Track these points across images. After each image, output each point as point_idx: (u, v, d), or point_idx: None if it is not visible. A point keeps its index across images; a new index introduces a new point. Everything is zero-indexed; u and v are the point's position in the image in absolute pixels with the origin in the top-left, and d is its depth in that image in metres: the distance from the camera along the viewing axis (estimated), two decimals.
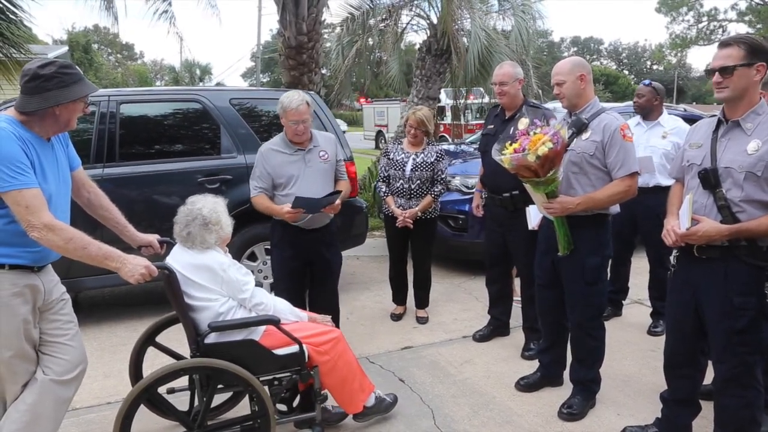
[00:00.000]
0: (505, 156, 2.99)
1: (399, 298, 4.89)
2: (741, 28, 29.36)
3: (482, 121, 5.46)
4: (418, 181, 4.47)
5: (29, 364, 2.41)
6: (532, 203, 3.45)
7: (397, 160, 4.54)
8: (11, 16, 6.28)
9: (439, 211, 4.78)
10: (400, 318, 4.81)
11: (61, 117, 2.38)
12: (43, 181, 2.32)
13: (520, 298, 4.26)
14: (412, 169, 4.47)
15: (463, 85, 10.61)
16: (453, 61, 9.74)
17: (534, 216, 3.57)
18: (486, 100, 12.79)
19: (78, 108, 2.42)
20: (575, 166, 3.07)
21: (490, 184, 4.08)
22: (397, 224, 4.48)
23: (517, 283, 4.36)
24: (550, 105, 6.00)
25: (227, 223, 2.79)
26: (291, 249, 3.69)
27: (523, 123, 3.07)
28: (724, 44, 2.46)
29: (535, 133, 2.94)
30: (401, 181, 4.51)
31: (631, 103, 5.08)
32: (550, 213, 3.10)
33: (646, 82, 4.61)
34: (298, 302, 3.16)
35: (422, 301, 4.86)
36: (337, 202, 3.58)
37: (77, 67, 2.50)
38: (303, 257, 3.73)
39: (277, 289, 3.77)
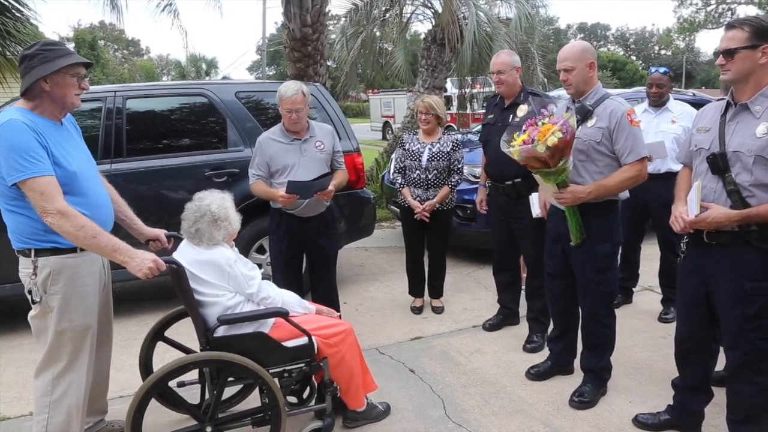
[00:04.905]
0: (514, 148, 2.96)
1: (417, 290, 4.87)
2: (750, 11, 28.95)
3: None
4: (435, 171, 4.44)
5: (93, 339, 2.59)
6: (535, 191, 3.43)
7: (412, 151, 4.51)
8: (17, 14, 6.31)
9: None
10: (420, 311, 4.77)
11: (53, 92, 2.41)
12: (65, 160, 2.40)
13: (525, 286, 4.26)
14: (428, 159, 4.44)
15: (469, 74, 10.55)
16: (457, 49, 9.68)
17: (536, 204, 3.57)
18: (492, 88, 12.70)
19: (69, 82, 2.44)
20: (582, 154, 3.04)
21: (493, 172, 4.07)
22: (414, 217, 4.47)
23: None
24: (555, 92, 5.96)
25: (235, 219, 2.79)
26: (288, 237, 3.82)
27: (522, 110, 3.04)
28: (729, 26, 2.44)
29: (543, 123, 2.90)
30: (418, 171, 4.48)
31: (639, 89, 5.01)
32: (561, 203, 3.06)
33: (662, 69, 4.49)
34: (295, 288, 3.24)
35: (437, 291, 4.86)
36: (330, 188, 3.67)
37: (66, 45, 2.54)
38: (300, 245, 3.87)
39: (274, 275, 3.91)
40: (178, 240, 2.86)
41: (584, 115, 3.05)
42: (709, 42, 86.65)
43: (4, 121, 2.29)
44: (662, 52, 62.73)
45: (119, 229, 2.71)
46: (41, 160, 2.29)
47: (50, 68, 2.36)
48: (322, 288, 4.00)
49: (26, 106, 2.40)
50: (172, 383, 2.63)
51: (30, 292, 2.44)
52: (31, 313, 2.49)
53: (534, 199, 3.61)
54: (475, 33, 9.17)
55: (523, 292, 4.40)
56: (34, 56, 2.36)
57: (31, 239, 2.40)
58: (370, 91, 27.41)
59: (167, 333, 3.10)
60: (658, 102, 4.48)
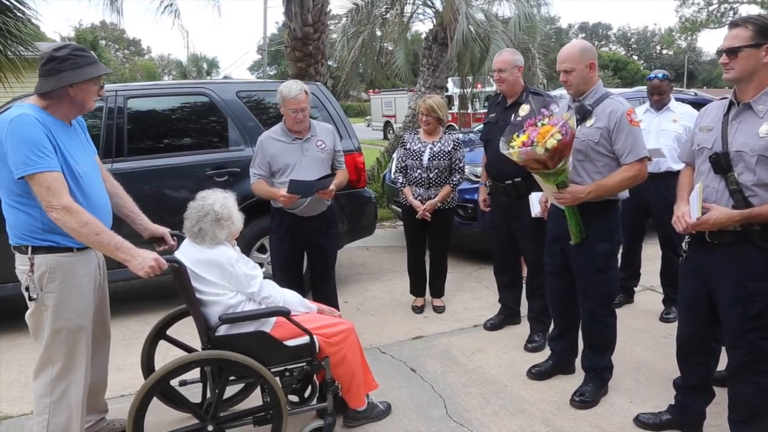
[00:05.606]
0: (514, 149, 2.95)
1: (419, 289, 4.88)
2: (753, 10, 28.92)
3: None
4: (436, 171, 4.45)
5: (88, 338, 2.59)
6: (535, 190, 3.42)
7: (414, 150, 4.53)
8: (18, 14, 6.31)
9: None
10: (422, 310, 4.77)
11: (76, 98, 2.46)
12: (73, 161, 2.43)
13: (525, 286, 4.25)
14: (429, 159, 4.45)
15: (470, 73, 10.54)
16: (458, 49, 9.69)
17: (535, 203, 3.57)
18: (493, 88, 12.70)
19: (92, 90, 2.50)
20: (580, 154, 3.04)
21: (493, 172, 4.07)
22: (417, 217, 4.47)
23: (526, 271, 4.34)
24: (556, 92, 5.95)
25: (238, 218, 2.80)
26: (288, 236, 3.83)
27: (524, 110, 3.02)
28: (733, 24, 2.44)
29: (543, 124, 2.89)
30: (419, 170, 4.49)
31: (640, 88, 5.02)
32: (561, 203, 3.06)
33: (660, 75, 4.49)
34: (296, 288, 3.24)
35: (438, 291, 4.87)
36: (331, 187, 3.68)
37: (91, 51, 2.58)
38: (300, 245, 3.89)
39: (275, 274, 3.93)
40: (180, 239, 2.87)
41: (583, 114, 3.04)
42: (711, 41, 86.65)
43: (16, 115, 2.31)
44: (664, 51, 62.70)
45: (121, 228, 2.72)
46: (50, 156, 2.32)
47: (82, 76, 2.40)
48: (322, 287, 4.01)
49: (39, 104, 2.42)
50: (174, 382, 2.62)
51: (27, 289, 2.45)
52: (27, 313, 2.50)
53: (533, 198, 3.61)
54: (463, 32, 9.14)
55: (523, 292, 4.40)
56: (65, 60, 2.38)
57: (28, 236, 2.42)
58: (371, 90, 27.41)
59: (169, 332, 3.11)
60: (660, 107, 4.49)
